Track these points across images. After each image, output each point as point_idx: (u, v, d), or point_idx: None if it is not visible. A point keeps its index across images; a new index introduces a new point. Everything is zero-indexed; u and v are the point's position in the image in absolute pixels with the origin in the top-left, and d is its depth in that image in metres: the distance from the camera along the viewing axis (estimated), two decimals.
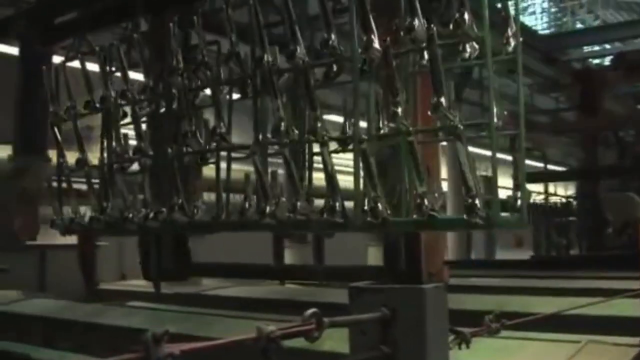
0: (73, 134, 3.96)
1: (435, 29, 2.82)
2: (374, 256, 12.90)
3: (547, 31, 16.71)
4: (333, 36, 3.09)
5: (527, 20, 16.76)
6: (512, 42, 3.08)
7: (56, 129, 4.09)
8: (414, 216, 2.85)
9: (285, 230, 3.20)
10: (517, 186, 3.01)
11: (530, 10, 16.80)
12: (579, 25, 17.49)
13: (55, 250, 11.99)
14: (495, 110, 3.12)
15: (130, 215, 3.68)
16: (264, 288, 5.99)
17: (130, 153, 3.73)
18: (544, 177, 16.14)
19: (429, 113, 2.81)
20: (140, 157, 3.67)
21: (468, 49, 3.15)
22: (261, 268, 4.78)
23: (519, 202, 2.94)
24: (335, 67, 3.20)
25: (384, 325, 2.40)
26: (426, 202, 2.82)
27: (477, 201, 2.72)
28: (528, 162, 15.69)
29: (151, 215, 3.58)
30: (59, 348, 4.33)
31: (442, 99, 2.79)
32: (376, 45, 2.96)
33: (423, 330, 2.38)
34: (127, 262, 12.87)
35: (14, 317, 4.76)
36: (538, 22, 16.90)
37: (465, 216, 2.73)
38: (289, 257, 10.42)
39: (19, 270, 9.38)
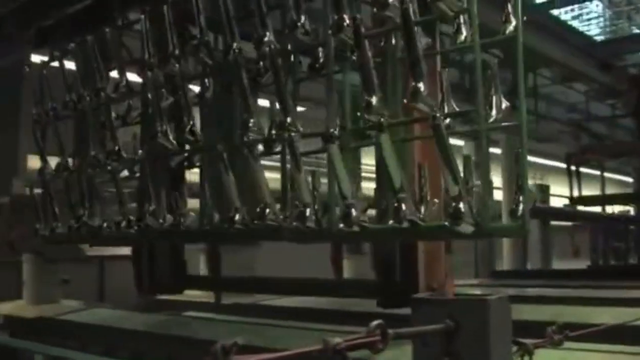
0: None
1: (410, 3, 2.27)
2: None
3: (602, 37, 15.79)
4: (303, 18, 2.58)
5: (583, 26, 15.86)
6: (513, 21, 2.50)
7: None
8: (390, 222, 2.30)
9: (256, 238, 2.69)
10: (520, 189, 2.42)
11: (586, 17, 15.89)
12: (635, 31, 16.49)
13: (113, 261, 11.79)
14: (494, 100, 2.56)
15: (105, 223, 3.24)
16: (319, 298, 5.49)
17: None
18: (602, 200, 15.19)
19: (405, 101, 2.26)
20: (113, 160, 3.22)
21: (464, 32, 2.60)
22: (261, 281, 4.32)
23: (520, 207, 2.35)
24: (321, 57, 2.69)
25: (448, 337, 2.23)
26: (404, 207, 2.27)
27: (461, 206, 2.15)
28: (586, 170, 14.85)
29: (123, 223, 3.13)
30: (119, 357, 4.14)
31: (421, 85, 2.24)
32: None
33: (487, 342, 2.22)
34: None
35: (76, 326, 4.60)
36: (593, 27, 15.97)
37: (447, 223, 2.17)
38: (346, 269, 9.89)
39: (80, 281, 9.19)
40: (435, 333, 2.19)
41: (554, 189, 16.18)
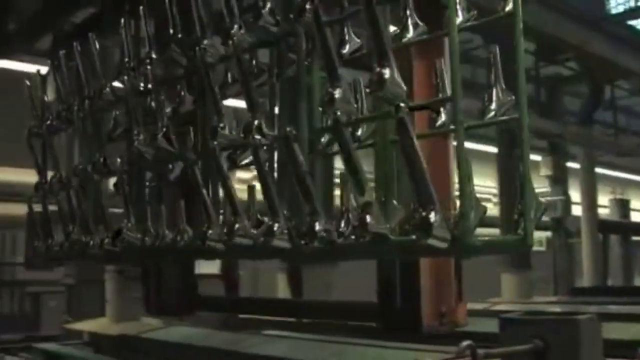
0: None
1: None
2: (508, 285, 11.45)
3: None
4: (268, 4, 2.19)
5: None
6: None
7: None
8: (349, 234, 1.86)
9: (226, 257, 2.32)
10: (522, 196, 1.95)
11: None
12: None
13: None
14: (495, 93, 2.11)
15: (91, 241, 2.92)
16: None
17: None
18: None
19: (367, 91, 1.82)
20: (98, 172, 2.91)
21: (460, 16, 2.16)
22: (266, 302, 3.94)
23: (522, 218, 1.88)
24: None
25: (537, 356, 2.15)
26: (369, 218, 1.83)
27: (432, 216, 1.69)
28: None
29: (106, 240, 2.80)
30: None
31: (387, 71, 1.80)
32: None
33: None
34: (261, 290, 12.34)
35: (157, 344, 4.47)
36: None
37: (415, 237, 1.72)
38: None
39: None
40: (524, 353, 2.13)
41: (635, 203, 15.11)
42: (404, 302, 2.48)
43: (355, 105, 1.97)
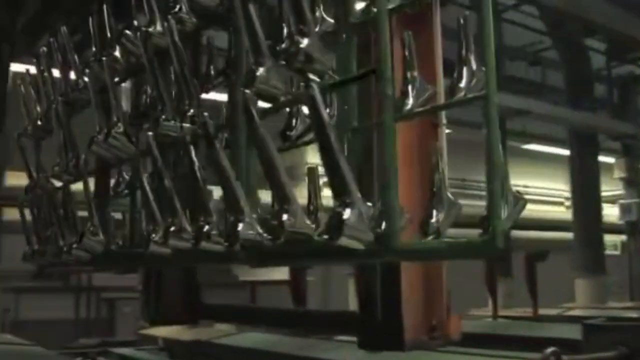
0: None
1: None
2: (583, 290, 10.68)
3: None
4: None
5: None
6: None
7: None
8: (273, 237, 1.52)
9: (170, 262, 2.03)
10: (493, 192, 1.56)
11: None
12: None
13: (264, 286, 11.63)
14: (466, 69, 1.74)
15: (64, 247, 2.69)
16: (475, 322, 5.59)
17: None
18: None
19: (282, 63, 1.48)
20: (69, 173, 2.68)
21: None
22: (270, 312, 3.66)
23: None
24: None
25: None
26: (285, 217, 1.48)
27: (347, 213, 1.33)
28: None
29: (75, 245, 2.56)
30: None
31: (305, 41, 1.46)
32: None
33: None
34: (332, 296, 12.03)
35: (230, 350, 4.43)
36: None
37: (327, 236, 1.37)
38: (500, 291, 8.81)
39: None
40: (608, 359, 2.11)
41: None
42: (385, 314, 2.11)
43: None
